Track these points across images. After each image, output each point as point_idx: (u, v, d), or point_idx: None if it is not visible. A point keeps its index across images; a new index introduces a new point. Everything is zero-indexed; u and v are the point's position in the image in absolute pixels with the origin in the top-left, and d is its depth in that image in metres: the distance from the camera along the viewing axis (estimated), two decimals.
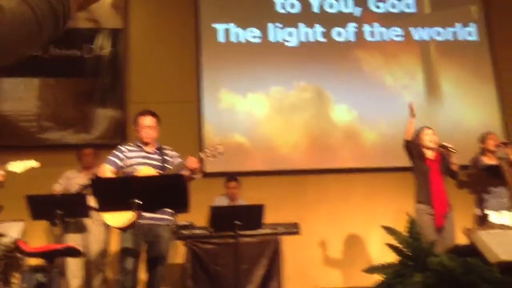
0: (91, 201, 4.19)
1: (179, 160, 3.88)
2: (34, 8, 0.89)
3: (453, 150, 4.53)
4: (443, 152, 4.61)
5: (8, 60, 0.91)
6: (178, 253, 4.78)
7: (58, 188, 5.01)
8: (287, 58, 6.53)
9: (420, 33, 6.84)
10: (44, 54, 6.13)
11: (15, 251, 4.50)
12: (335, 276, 5.91)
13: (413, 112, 4.74)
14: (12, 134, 5.96)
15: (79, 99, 6.15)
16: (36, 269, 4.88)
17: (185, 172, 3.68)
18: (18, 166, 4.06)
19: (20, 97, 6.07)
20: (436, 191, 4.45)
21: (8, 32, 0.86)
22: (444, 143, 4.56)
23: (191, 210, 4.35)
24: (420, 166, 4.58)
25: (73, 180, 5.02)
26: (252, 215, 4.30)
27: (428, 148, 4.63)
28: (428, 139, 4.62)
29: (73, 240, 4.81)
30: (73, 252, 4.14)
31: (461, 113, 6.54)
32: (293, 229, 4.96)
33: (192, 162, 3.66)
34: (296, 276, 5.14)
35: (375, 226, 5.64)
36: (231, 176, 5.65)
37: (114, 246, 4.70)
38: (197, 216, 5.12)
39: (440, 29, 6.87)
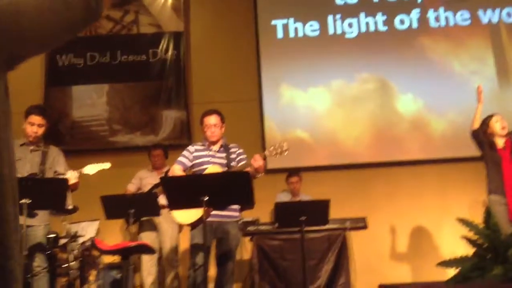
0: (163, 200, 4.33)
1: (245, 156, 3.92)
2: None
3: None
4: None
5: (50, 44, 0.91)
6: (245, 249, 4.82)
7: (131, 187, 5.24)
8: (348, 50, 6.42)
9: (488, 15, 6.48)
10: (112, 61, 6.41)
11: (91, 249, 4.74)
12: (405, 271, 5.74)
13: (481, 97, 4.50)
14: (85, 139, 6.27)
15: (146, 102, 6.37)
16: (111, 266, 5.11)
17: (250, 169, 3.71)
18: (92, 168, 4.26)
19: (92, 103, 6.37)
20: (510, 181, 4.22)
21: (35, 15, 0.86)
22: None
23: (255, 207, 4.41)
24: (492, 156, 4.36)
25: (145, 179, 5.21)
26: (317, 211, 4.25)
27: (500, 136, 4.39)
28: (499, 126, 4.39)
29: (147, 237, 5.00)
30: (146, 249, 4.29)
31: None
32: (360, 223, 4.86)
33: (257, 160, 3.66)
34: (365, 271, 5.04)
35: (447, 219, 5.44)
36: (293, 171, 5.64)
37: (185, 243, 4.83)
38: (262, 212, 5.17)
39: (510, 10, 6.48)
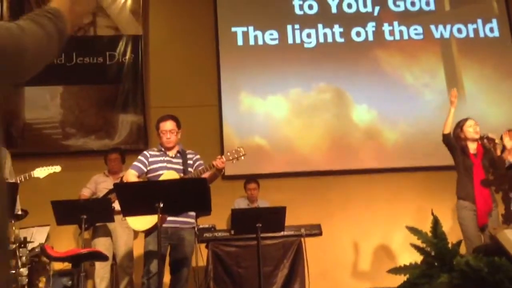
0: (118, 205, 4.26)
1: (201, 162, 3.92)
2: (44, 27, 1.10)
3: (499, 142, 4.22)
4: (487, 145, 4.28)
5: (34, 72, 1.12)
6: (201, 256, 4.80)
7: (86, 192, 5.12)
8: (306, 60, 6.52)
9: (440, 31, 6.75)
10: (67, 62, 6.25)
11: (41, 255, 4.60)
12: (358, 277, 5.87)
13: (454, 101, 4.36)
14: (37, 141, 6.08)
15: (101, 106, 6.24)
16: (62, 273, 4.98)
17: (210, 173, 3.73)
18: (42, 172, 4.19)
19: (45, 105, 6.19)
20: (480, 188, 4.14)
21: (31, 48, 1.06)
22: (489, 135, 4.24)
23: (212, 213, 4.41)
24: (464, 161, 4.26)
25: (101, 184, 5.11)
26: (274, 217, 4.29)
27: (473, 140, 4.31)
28: (472, 131, 4.29)
29: (101, 244, 4.89)
30: (98, 256, 4.20)
31: (484, 111, 6.41)
32: (315, 230, 4.93)
33: (221, 162, 3.69)
34: (319, 277, 5.11)
35: (398, 227, 5.59)
36: (251, 178, 5.68)
37: (139, 249, 4.77)
38: (218, 218, 5.17)
39: (461, 26, 6.77)
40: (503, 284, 2.44)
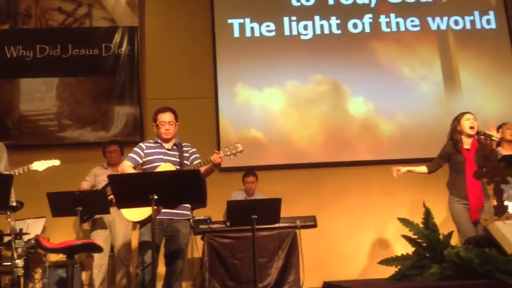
0: None
1: (197, 155, 3.92)
2: None
3: (496, 138, 4.16)
4: (483, 141, 4.23)
5: None
6: (196, 247, 4.82)
7: (85, 185, 5.12)
8: (303, 52, 6.51)
9: (437, 23, 6.74)
10: (63, 54, 6.24)
11: (36, 247, 4.61)
12: (353, 268, 5.89)
13: (398, 173, 4.51)
14: (33, 133, 6.08)
15: (97, 97, 6.24)
16: (57, 264, 5.00)
17: (208, 166, 3.74)
18: (41, 165, 4.22)
19: (40, 97, 6.18)
20: (472, 184, 4.10)
21: None
22: (486, 131, 4.18)
23: (208, 205, 4.43)
24: (456, 156, 4.25)
25: (99, 177, 5.11)
26: (269, 209, 4.31)
27: (468, 135, 4.28)
28: (469, 124, 4.25)
29: (99, 235, 4.92)
30: (92, 247, 4.21)
31: (481, 103, 6.41)
32: (310, 222, 4.96)
33: (218, 158, 3.69)
34: (314, 268, 5.14)
35: (393, 218, 5.57)
36: (249, 171, 5.68)
37: (135, 241, 4.79)
38: (214, 210, 5.18)
39: (458, 18, 6.76)
40: (493, 274, 2.46)
